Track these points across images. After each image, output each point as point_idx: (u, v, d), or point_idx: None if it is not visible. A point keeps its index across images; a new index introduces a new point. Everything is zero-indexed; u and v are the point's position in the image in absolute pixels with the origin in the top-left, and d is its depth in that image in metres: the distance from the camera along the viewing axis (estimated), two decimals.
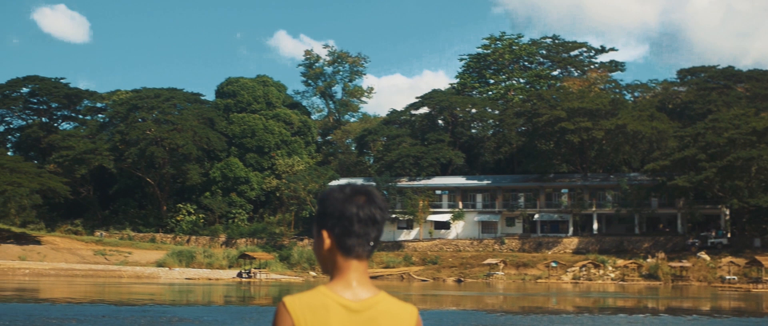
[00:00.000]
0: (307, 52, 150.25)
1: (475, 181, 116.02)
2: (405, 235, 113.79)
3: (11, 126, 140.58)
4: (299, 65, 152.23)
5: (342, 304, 3.51)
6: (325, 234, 3.62)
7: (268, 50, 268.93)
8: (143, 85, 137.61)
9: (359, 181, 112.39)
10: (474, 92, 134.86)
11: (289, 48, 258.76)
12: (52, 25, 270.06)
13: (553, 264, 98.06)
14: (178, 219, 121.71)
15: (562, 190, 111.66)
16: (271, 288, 78.27)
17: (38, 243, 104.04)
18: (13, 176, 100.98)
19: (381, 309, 3.57)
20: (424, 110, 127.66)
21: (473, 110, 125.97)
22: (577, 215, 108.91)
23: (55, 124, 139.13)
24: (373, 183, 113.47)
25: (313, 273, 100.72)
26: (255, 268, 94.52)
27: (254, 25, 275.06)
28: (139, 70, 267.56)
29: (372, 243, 3.66)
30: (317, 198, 3.79)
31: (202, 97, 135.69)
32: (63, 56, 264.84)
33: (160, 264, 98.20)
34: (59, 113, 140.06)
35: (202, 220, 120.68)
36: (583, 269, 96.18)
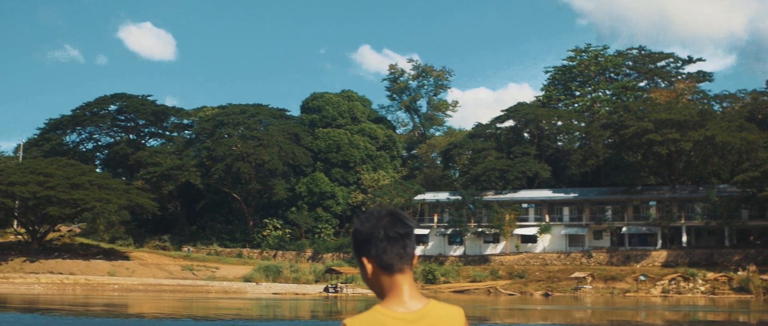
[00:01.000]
0: (392, 67, 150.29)
1: (562, 194, 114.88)
2: (491, 249, 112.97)
3: (100, 143, 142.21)
4: (384, 79, 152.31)
5: (398, 318, 3.76)
6: (365, 260, 3.87)
7: (353, 65, 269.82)
8: (229, 102, 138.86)
9: (444, 193, 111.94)
10: (560, 105, 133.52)
11: (373, 62, 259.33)
12: (138, 43, 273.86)
13: (642, 278, 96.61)
14: (265, 234, 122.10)
15: (650, 203, 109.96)
16: (358, 302, 77.93)
17: (127, 258, 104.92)
18: (102, 193, 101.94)
19: (435, 315, 3.83)
20: (510, 123, 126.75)
21: (559, 123, 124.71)
22: (665, 228, 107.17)
23: (143, 141, 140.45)
24: (459, 197, 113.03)
25: None
26: (341, 283, 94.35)
27: (338, 40, 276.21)
28: (225, 86, 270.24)
29: (408, 256, 3.88)
30: (352, 235, 4.00)
31: (288, 113, 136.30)
32: (149, 74, 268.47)
33: (247, 279, 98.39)
34: (146, 130, 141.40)
35: (288, 235, 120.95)
36: (673, 282, 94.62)
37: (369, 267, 3.86)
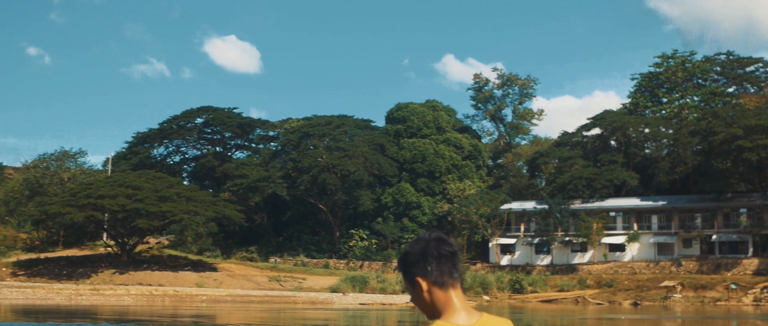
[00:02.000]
0: (476, 76, 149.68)
1: (650, 202, 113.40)
2: (579, 258, 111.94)
3: (187, 156, 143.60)
4: (468, 89, 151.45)
5: None
6: (419, 280, 4.14)
7: (437, 75, 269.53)
8: (314, 113, 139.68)
9: (530, 202, 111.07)
10: (647, 112, 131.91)
11: (458, 72, 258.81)
12: (224, 57, 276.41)
13: (733, 286, 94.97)
14: (351, 244, 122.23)
15: (741, 210, 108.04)
16: None
17: (214, 270, 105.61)
18: (190, 205, 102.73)
19: None
20: (596, 131, 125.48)
21: (646, 130, 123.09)
22: (756, 235, 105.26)
23: (229, 153, 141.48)
24: (546, 206, 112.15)
25: (486, 298, 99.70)
26: None
27: (422, 50, 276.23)
28: (309, 98, 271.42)
29: (458, 273, 4.20)
30: (399, 261, 4.30)
31: (373, 123, 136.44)
32: (235, 86, 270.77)
33: (333, 290, 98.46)
34: (232, 142, 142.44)
35: (374, 246, 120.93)
36: (765, 291, 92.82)
37: (424, 285, 4.13)
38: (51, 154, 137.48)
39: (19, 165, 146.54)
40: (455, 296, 4.15)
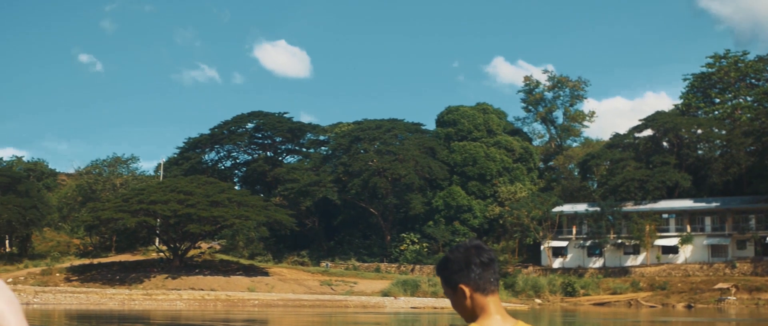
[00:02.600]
0: (527, 78, 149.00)
1: (703, 204, 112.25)
2: (631, 260, 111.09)
3: (238, 161, 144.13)
4: (519, 91, 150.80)
5: None
6: (462, 287, 4.35)
7: (486, 77, 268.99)
8: (364, 117, 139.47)
9: (582, 205, 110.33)
10: (699, 112, 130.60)
11: (507, 74, 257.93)
12: (273, 62, 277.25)
13: None
14: (402, 248, 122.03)
15: None
16: None
17: (266, 274, 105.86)
18: (241, 210, 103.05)
19: None
20: (648, 132, 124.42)
21: (699, 131, 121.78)
22: None
23: (280, 158, 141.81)
24: (598, 208, 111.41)
25: (538, 301, 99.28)
26: None
27: (471, 52, 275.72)
28: (359, 101, 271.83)
29: (497, 279, 4.41)
30: (439, 267, 4.50)
31: (423, 127, 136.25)
32: (285, 91, 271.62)
33: (385, 294, 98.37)
34: (283, 147, 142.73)
35: (426, 249, 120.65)
36: None
37: (467, 291, 4.34)
38: (103, 160, 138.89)
39: (72, 171, 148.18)
40: (492, 302, 4.35)
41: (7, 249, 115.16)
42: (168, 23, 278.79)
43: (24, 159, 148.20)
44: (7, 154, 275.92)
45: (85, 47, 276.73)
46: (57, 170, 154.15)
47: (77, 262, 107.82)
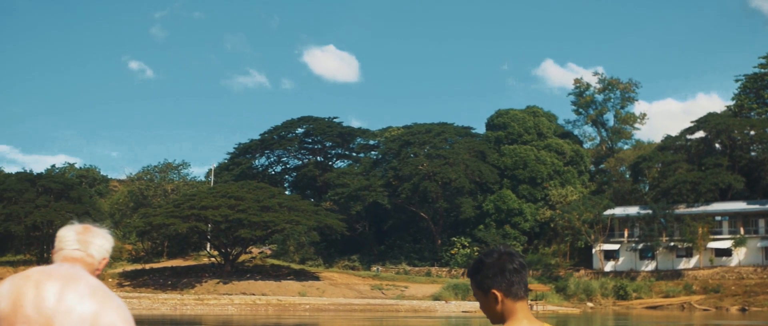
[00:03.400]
0: (577, 81, 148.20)
1: (757, 206, 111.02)
2: (684, 263, 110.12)
3: (288, 166, 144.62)
4: (569, 94, 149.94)
5: None
6: (494, 291, 4.52)
7: (536, 80, 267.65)
8: (413, 121, 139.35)
9: (634, 207, 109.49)
10: (752, 113, 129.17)
11: (557, 77, 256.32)
12: (323, 66, 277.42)
13: None
14: (453, 252, 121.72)
15: None
16: (548, 320, 76.75)
17: (317, 279, 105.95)
18: (292, 214, 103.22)
19: None
20: (700, 134, 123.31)
21: (752, 132, 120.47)
22: None
23: (330, 163, 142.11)
24: (650, 211, 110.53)
25: (590, 305, 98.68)
26: (531, 300, 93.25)
27: (520, 55, 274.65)
28: (409, 106, 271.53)
29: (526, 285, 4.56)
30: (472, 271, 4.67)
31: (473, 130, 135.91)
32: (334, 96, 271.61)
33: (436, 298, 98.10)
34: (333, 152, 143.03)
35: (476, 253, 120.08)
36: None
37: (499, 296, 4.50)
38: (155, 166, 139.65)
39: (123, 177, 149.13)
40: (521, 307, 4.52)
41: None
42: (217, 29, 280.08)
43: (76, 166, 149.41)
44: (59, 161, 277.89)
45: (135, 54, 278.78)
46: (109, 176, 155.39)
47: (129, 267, 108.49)
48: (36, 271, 4.92)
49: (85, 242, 5.21)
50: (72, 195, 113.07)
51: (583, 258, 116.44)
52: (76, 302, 4.74)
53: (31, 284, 4.81)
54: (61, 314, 4.70)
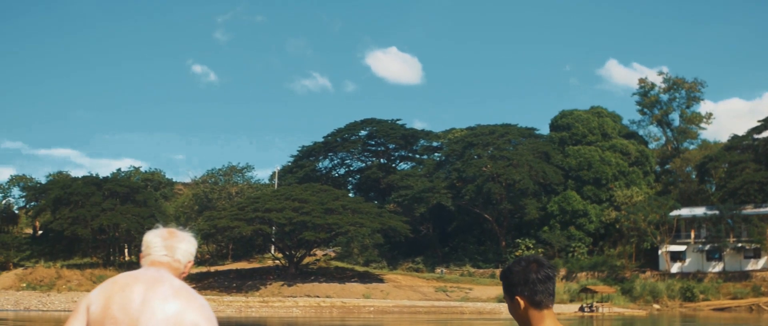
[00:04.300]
0: (641, 80, 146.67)
1: None
2: (752, 265, 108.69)
3: (351, 168, 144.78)
4: (633, 94, 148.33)
5: None
6: (518, 298, 4.77)
7: (600, 80, 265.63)
8: (477, 122, 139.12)
9: (700, 208, 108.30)
10: None
11: (621, 77, 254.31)
12: (385, 69, 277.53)
13: None
14: (517, 254, 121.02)
15: None
16: (614, 322, 76.29)
17: (381, 281, 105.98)
18: (355, 217, 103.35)
19: None
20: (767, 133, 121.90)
21: None
22: None
23: (393, 165, 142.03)
24: (717, 212, 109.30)
25: (656, 306, 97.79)
26: (597, 302, 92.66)
27: (583, 56, 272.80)
28: (472, 107, 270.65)
29: (552, 295, 4.80)
30: (501, 276, 4.96)
31: (536, 131, 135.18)
32: (397, 98, 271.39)
33: (500, 300, 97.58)
34: (396, 154, 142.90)
35: (541, 255, 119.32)
36: None
37: (522, 303, 4.75)
38: (219, 169, 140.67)
39: (188, 180, 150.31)
40: (548, 315, 4.76)
41: (127, 258, 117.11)
42: (280, 33, 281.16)
43: (141, 169, 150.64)
44: (125, 164, 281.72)
45: (198, 58, 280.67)
46: (174, 180, 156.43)
47: (195, 270, 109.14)
48: (123, 276, 5.29)
49: (171, 247, 5.52)
50: (137, 198, 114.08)
51: (648, 259, 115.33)
52: (160, 303, 5.07)
53: (118, 287, 5.18)
54: (145, 315, 5.04)
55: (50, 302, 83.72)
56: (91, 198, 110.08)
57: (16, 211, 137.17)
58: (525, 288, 4.75)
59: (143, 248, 5.54)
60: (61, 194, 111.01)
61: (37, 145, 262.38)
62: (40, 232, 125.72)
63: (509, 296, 4.86)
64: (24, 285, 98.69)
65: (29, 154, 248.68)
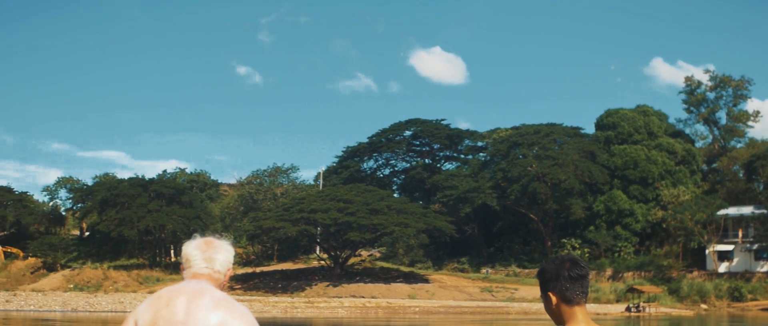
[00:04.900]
0: (687, 79, 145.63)
1: None
2: None
3: (396, 168, 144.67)
4: (679, 92, 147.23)
5: None
6: (550, 294, 5.03)
7: (645, 79, 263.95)
8: (521, 122, 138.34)
9: (748, 207, 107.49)
10: None
11: (667, 75, 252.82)
12: (429, 69, 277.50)
13: None
14: (563, 254, 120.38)
15: None
16: (661, 322, 75.83)
17: (426, 281, 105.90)
18: (400, 217, 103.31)
19: None
20: None
21: None
22: None
23: (438, 165, 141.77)
24: (765, 210, 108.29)
25: (704, 306, 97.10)
26: (644, 302, 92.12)
27: (628, 54, 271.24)
28: (517, 107, 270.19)
29: (585, 293, 5.02)
30: (537, 274, 5.20)
31: (582, 131, 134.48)
32: (441, 98, 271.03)
33: None
34: (441, 154, 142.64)
35: (587, 255, 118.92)
36: None
37: (554, 299, 5.00)
38: (264, 170, 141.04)
39: (233, 181, 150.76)
40: (579, 311, 4.99)
41: (173, 259, 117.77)
42: (323, 34, 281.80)
43: (187, 170, 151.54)
44: (170, 166, 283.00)
45: (242, 60, 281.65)
46: (219, 181, 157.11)
47: (240, 271, 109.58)
48: (167, 290, 5.57)
49: (210, 259, 5.79)
50: (183, 199, 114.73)
51: (696, 259, 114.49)
52: (204, 314, 5.32)
53: (163, 302, 5.44)
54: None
55: (97, 303, 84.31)
56: (137, 199, 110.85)
57: (64, 213, 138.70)
58: (557, 285, 4.99)
59: (183, 261, 5.83)
60: (107, 196, 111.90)
61: (83, 147, 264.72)
62: (87, 234, 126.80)
63: (543, 292, 5.10)
64: (71, 286, 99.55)
65: (76, 156, 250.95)
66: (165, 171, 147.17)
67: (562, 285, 4.97)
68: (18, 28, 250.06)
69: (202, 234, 6.08)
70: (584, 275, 5.01)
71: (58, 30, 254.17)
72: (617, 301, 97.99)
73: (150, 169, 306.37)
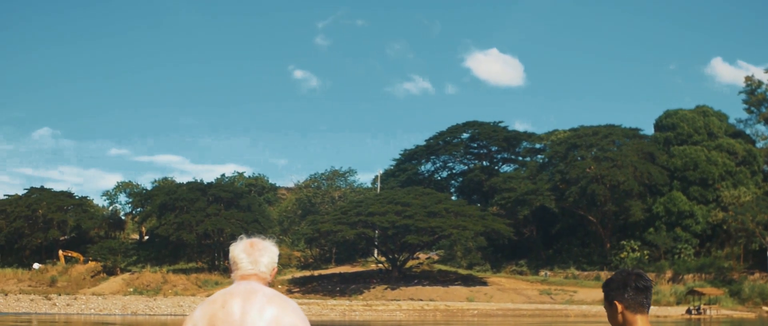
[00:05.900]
0: (748, 78, 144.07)
1: None
2: None
3: (454, 171, 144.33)
4: (740, 92, 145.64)
5: None
6: (616, 303, 5.45)
7: (705, 79, 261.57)
8: (580, 124, 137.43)
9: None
10: None
11: (727, 75, 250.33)
12: (486, 71, 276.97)
13: None
14: (622, 256, 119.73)
15: None
16: (722, 324, 75.11)
17: (484, 284, 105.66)
18: (458, 220, 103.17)
19: None
20: None
21: None
22: None
23: (496, 167, 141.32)
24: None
25: (766, 309, 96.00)
26: (704, 304, 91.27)
27: (688, 54, 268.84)
28: (575, 108, 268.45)
29: (648, 303, 5.46)
30: (603, 286, 5.67)
31: (641, 132, 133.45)
32: (498, 100, 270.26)
33: None
34: (499, 156, 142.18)
35: (646, 257, 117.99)
36: None
37: (619, 307, 5.42)
38: (322, 173, 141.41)
39: (291, 185, 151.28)
40: (641, 320, 5.41)
41: None
42: (380, 36, 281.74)
43: (245, 174, 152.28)
44: (228, 170, 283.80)
45: (300, 64, 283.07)
46: (277, 184, 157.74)
47: (298, 274, 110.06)
48: (220, 294, 5.87)
49: (255, 262, 6.08)
50: (241, 203, 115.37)
51: (757, 260, 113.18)
52: (258, 311, 5.62)
53: (219, 305, 5.73)
54: (247, 324, 5.59)
55: (157, 306, 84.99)
56: (196, 203, 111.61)
57: (123, 217, 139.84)
58: (623, 294, 5.43)
59: (231, 264, 6.10)
60: (166, 200, 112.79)
61: (142, 151, 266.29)
62: (147, 238, 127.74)
63: (608, 301, 5.52)
64: (131, 289, 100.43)
65: (135, 160, 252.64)
66: (223, 175, 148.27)
67: (628, 295, 5.41)
68: (81, 35, 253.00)
69: (262, 237, 6.28)
70: (649, 287, 5.46)
71: (117, 35, 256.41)
72: (678, 304, 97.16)
73: (208, 173, 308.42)
